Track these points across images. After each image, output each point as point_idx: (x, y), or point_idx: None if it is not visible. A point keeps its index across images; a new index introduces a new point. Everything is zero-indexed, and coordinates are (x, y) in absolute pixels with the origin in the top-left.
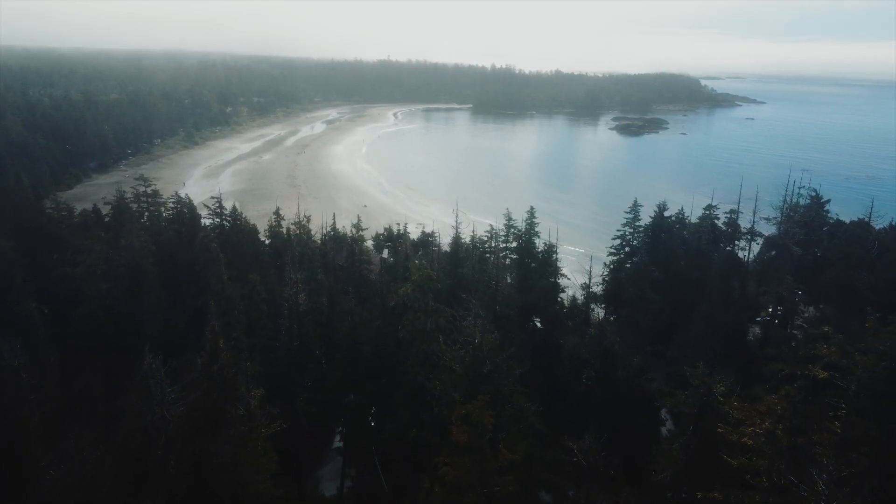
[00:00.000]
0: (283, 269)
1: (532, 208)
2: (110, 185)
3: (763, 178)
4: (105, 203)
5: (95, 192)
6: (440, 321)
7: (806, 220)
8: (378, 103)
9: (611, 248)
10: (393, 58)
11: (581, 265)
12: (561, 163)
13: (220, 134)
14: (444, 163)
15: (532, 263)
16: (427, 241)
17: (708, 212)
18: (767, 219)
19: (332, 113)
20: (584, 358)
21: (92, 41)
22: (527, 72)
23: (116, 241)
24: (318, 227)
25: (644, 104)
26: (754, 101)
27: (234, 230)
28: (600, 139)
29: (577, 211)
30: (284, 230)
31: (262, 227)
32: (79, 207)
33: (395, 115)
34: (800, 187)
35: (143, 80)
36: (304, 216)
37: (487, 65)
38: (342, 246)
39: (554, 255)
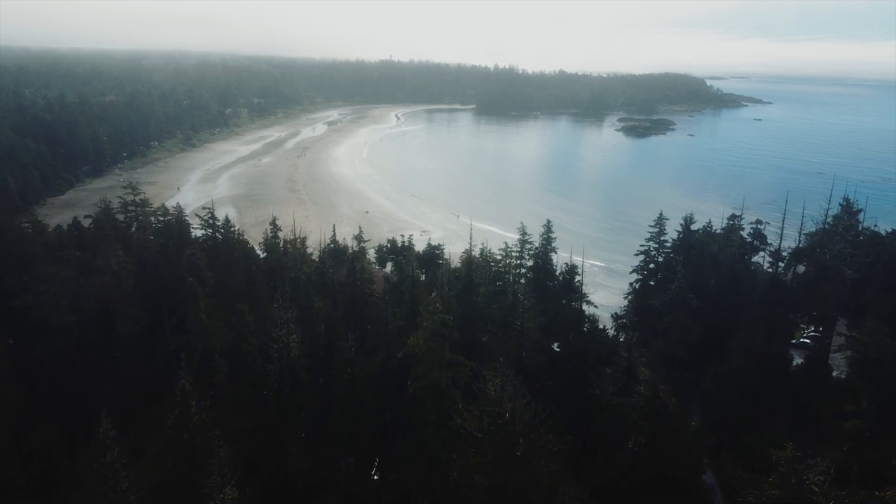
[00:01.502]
0: (277, 290)
1: (549, 222)
2: (103, 191)
3: (780, 182)
4: (86, 217)
5: (87, 198)
6: (458, 376)
7: (851, 238)
8: (380, 104)
9: (634, 267)
10: (395, 58)
11: (596, 278)
12: (567, 166)
13: (219, 136)
14: (448, 166)
15: (549, 282)
16: (433, 254)
17: (733, 222)
18: (805, 234)
19: (333, 114)
20: (631, 420)
21: (91, 41)
22: (530, 72)
23: (93, 260)
24: (317, 237)
25: (649, 104)
26: (760, 102)
27: (226, 247)
28: (606, 141)
29: (586, 219)
30: (281, 242)
31: (258, 235)
32: (68, 214)
33: (397, 116)
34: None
35: (142, 81)
36: (301, 236)
37: (490, 65)
38: (343, 260)
39: (577, 278)
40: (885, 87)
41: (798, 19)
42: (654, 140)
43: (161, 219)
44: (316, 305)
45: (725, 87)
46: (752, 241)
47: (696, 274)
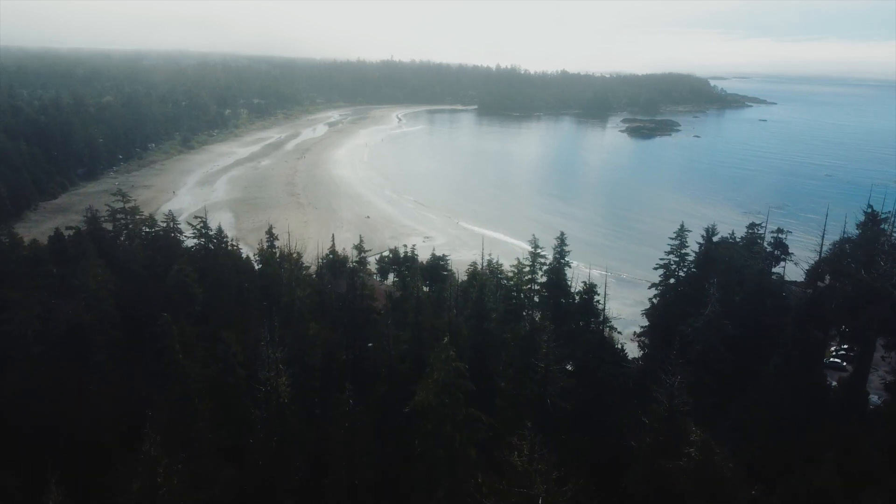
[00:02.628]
0: (267, 318)
1: (562, 235)
2: (98, 194)
3: (789, 185)
4: (67, 229)
5: (81, 202)
6: (474, 434)
7: (889, 249)
8: (381, 104)
9: (654, 283)
10: (396, 58)
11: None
12: (571, 168)
13: (218, 137)
14: (450, 168)
15: (562, 299)
16: (438, 264)
17: (753, 231)
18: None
19: (334, 115)
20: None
21: (92, 41)
22: (532, 72)
23: (71, 278)
24: (316, 243)
25: (652, 105)
26: (764, 102)
27: (215, 262)
28: (611, 142)
29: (592, 225)
30: (278, 253)
31: (255, 241)
32: (60, 219)
33: (398, 117)
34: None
35: (141, 82)
36: (297, 250)
37: (492, 65)
38: (342, 272)
39: (596, 298)
40: (886, 87)
41: (799, 19)
42: (659, 141)
43: (148, 230)
44: (311, 332)
45: (728, 87)
46: (774, 251)
47: (720, 291)
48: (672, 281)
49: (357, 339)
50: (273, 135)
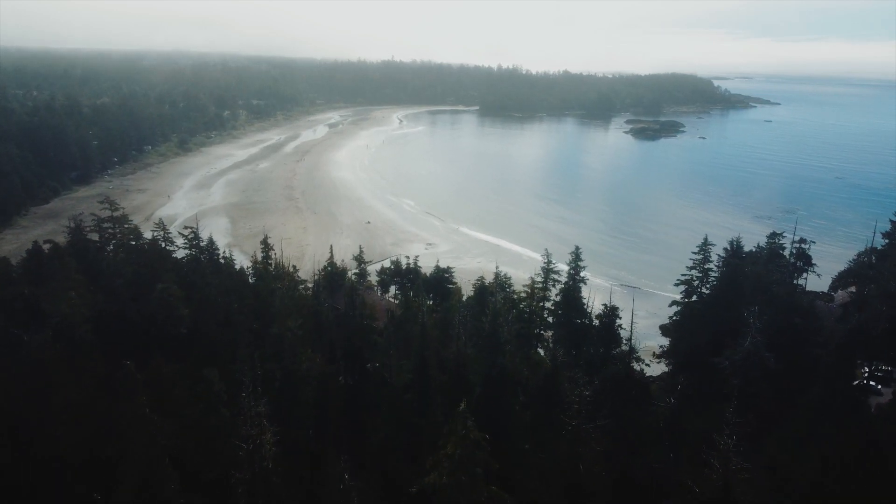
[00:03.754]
0: (259, 342)
1: (577, 250)
2: (90, 199)
3: (799, 189)
4: (45, 242)
5: (74, 206)
6: None
7: None
8: (382, 105)
9: (674, 301)
10: (397, 58)
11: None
12: (575, 171)
13: (216, 139)
14: (453, 171)
15: (577, 319)
16: (442, 277)
17: (775, 241)
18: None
19: (334, 116)
20: None
21: (91, 42)
22: (534, 72)
23: (43, 300)
24: (314, 249)
25: (656, 105)
26: (768, 103)
27: (203, 281)
28: (615, 143)
29: (598, 233)
30: (273, 265)
31: (251, 248)
32: (51, 226)
33: (399, 119)
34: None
35: (139, 82)
36: (291, 266)
37: (493, 65)
38: (340, 286)
39: (617, 321)
40: (888, 87)
41: (799, 19)
42: (665, 143)
43: (135, 242)
44: (304, 366)
45: (731, 87)
46: (797, 263)
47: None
48: (694, 298)
49: (356, 363)
50: (272, 136)
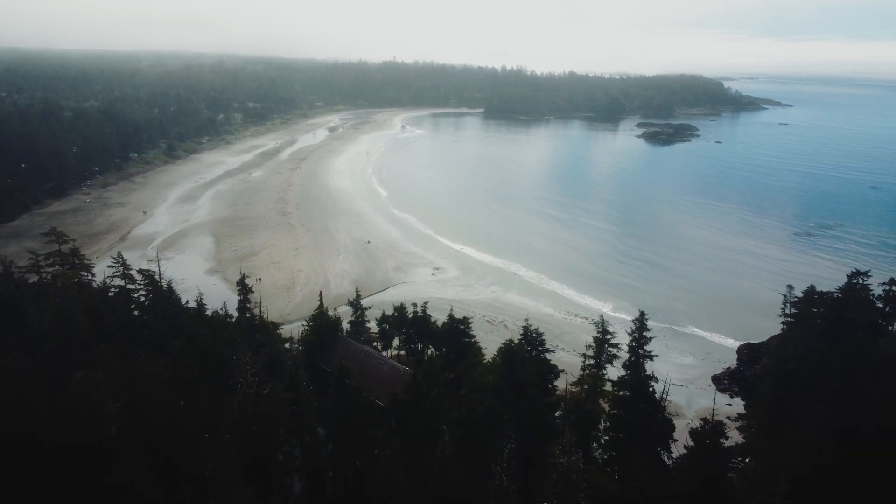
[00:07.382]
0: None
1: (643, 316)
2: (63, 214)
3: (837, 200)
4: None
5: (44, 223)
6: None
7: None
8: (383, 108)
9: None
10: (398, 59)
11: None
12: (590, 181)
13: (208, 145)
14: (457, 180)
15: (640, 403)
16: (457, 330)
17: (857, 281)
18: None
19: (334, 119)
20: None
21: (86, 42)
22: (539, 73)
23: None
24: (306, 275)
25: (666, 108)
26: (780, 104)
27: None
28: (628, 149)
29: (620, 263)
30: (251, 310)
31: (235, 274)
32: (14, 247)
33: (401, 123)
34: None
35: (132, 85)
36: (271, 321)
37: (497, 66)
38: (333, 345)
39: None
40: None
41: (804, 19)
42: (680, 148)
43: (78, 286)
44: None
45: (739, 88)
46: (886, 308)
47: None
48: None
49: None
50: (268, 142)
